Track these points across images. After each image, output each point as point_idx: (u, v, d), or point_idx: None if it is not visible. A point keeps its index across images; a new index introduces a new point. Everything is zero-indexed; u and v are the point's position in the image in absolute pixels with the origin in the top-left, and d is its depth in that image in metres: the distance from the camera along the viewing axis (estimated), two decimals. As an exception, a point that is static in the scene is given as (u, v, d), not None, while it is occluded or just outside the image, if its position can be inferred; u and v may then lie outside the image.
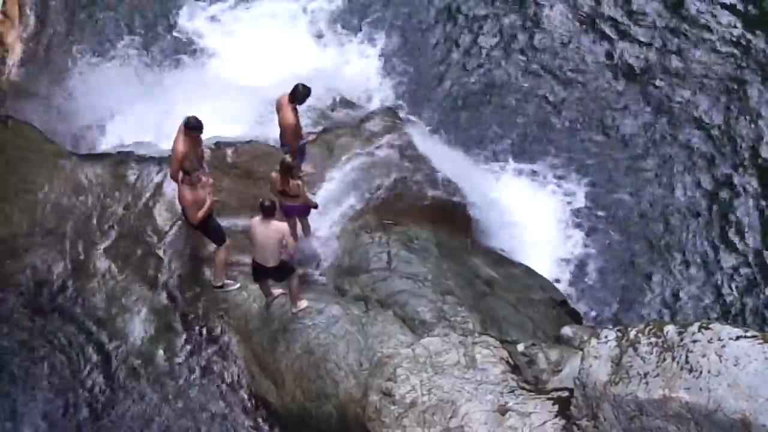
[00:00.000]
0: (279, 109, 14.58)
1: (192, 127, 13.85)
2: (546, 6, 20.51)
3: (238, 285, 14.33)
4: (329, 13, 20.67)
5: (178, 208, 14.58)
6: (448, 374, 12.55)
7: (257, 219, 13.04)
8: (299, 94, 14.32)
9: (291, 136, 14.55)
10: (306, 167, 15.17)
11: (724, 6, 20.20)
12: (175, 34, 19.91)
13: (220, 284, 14.31)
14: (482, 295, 14.89)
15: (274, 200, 13.13)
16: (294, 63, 19.07)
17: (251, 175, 15.77)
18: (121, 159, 16.01)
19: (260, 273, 13.43)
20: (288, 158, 13.74)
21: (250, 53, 19.24)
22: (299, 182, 13.81)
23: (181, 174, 13.54)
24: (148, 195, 15.53)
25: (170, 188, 15.25)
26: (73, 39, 19.34)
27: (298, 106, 14.51)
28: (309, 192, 14.49)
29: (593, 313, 16.86)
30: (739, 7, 20.18)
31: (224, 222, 14.40)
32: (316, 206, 14.44)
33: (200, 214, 13.57)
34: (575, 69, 19.68)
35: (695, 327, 10.74)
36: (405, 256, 14.72)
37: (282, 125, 14.58)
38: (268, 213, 12.87)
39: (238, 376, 13.96)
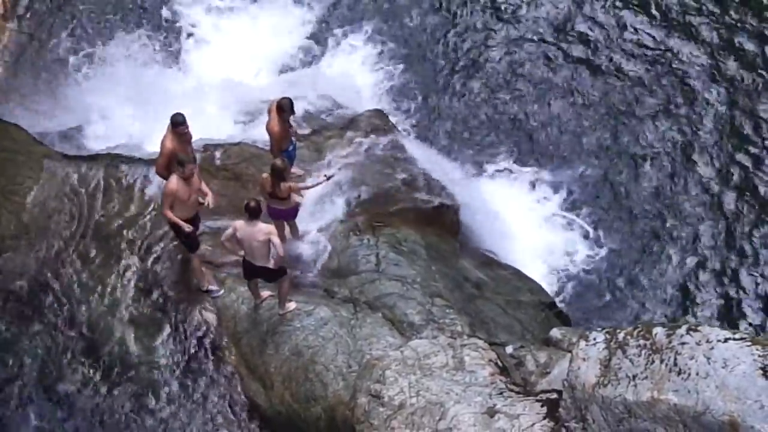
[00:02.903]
0: (269, 113, 14.57)
1: (174, 123, 13.81)
2: (537, 12, 20.54)
3: (221, 291, 14.31)
4: (320, 15, 20.66)
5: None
6: (436, 376, 12.55)
7: (242, 222, 13.02)
8: (285, 107, 14.31)
9: (275, 143, 14.56)
10: (294, 170, 15.16)
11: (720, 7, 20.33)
12: (164, 34, 19.88)
13: (205, 288, 14.30)
14: (471, 297, 14.89)
15: (259, 201, 13.10)
16: (284, 65, 19.08)
17: (240, 177, 15.75)
18: (109, 160, 15.96)
19: (251, 271, 13.41)
20: (279, 161, 13.74)
21: (239, 55, 19.23)
22: (290, 185, 13.80)
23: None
24: (136, 197, 15.48)
25: (156, 190, 15.24)
26: (60, 38, 19.29)
27: (290, 116, 14.48)
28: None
29: (582, 315, 16.87)
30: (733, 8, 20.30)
31: (210, 222, 14.37)
32: (299, 200, 14.41)
33: (169, 213, 13.31)
34: (568, 73, 19.71)
35: (684, 329, 10.75)
36: (394, 258, 14.72)
37: (267, 131, 14.60)
38: (253, 214, 12.85)
39: (227, 379, 13.93)
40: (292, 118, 14.58)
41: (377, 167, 15.80)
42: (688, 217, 17.81)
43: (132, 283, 14.72)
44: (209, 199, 13.56)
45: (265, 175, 13.85)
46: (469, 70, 19.89)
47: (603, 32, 20.14)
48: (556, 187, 18.39)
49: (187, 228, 13.45)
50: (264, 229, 12.92)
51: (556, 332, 14.08)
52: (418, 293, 14.20)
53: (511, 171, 18.53)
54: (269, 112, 14.60)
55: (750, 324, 16.53)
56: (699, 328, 10.71)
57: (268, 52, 19.46)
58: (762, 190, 17.91)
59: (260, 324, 13.88)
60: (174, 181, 13.29)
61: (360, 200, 15.37)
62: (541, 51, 19.99)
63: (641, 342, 10.91)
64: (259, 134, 15.94)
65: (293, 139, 14.68)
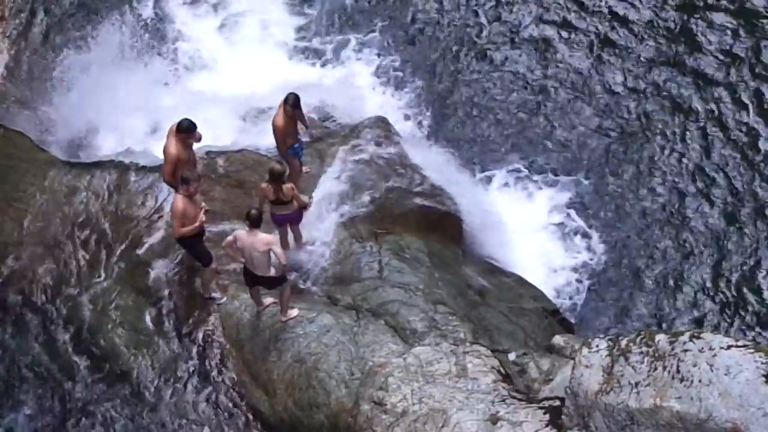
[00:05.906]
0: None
1: (182, 129, 13.80)
2: (543, 18, 20.55)
3: (224, 298, 14.32)
4: (323, 23, 20.69)
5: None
6: (439, 383, 12.56)
7: (243, 232, 13.04)
8: (290, 101, 14.51)
9: (280, 137, 14.67)
10: (305, 168, 15.33)
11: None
12: (166, 44, 19.90)
13: (208, 296, 14.33)
14: (474, 304, 14.88)
15: (260, 210, 13.10)
16: (286, 73, 19.08)
17: (243, 184, 15.77)
18: (112, 167, 15.99)
19: (252, 279, 13.42)
20: (277, 165, 13.80)
21: (242, 63, 19.26)
22: (292, 185, 13.84)
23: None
24: (140, 204, 15.51)
25: (161, 196, 15.25)
26: (63, 46, 19.31)
27: (295, 110, 14.58)
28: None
29: (584, 323, 16.85)
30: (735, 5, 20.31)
31: (214, 227, 14.39)
32: (306, 206, 14.43)
33: (183, 230, 13.40)
34: (573, 80, 19.68)
35: (686, 336, 10.76)
36: (396, 265, 14.71)
37: (272, 127, 14.73)
38: (254, 223, 12.87)
39: (230, 386, 13.93)
40: (307, 116, 14.60)
41: (380, 174, 15.80)
42: (692, 224, 17.78)
43: (135, 290, 14.73)
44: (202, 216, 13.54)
45: (264, 184, 13.85)
46: (473, 78, 19.88)
47: (608, 38, 20.13)
48: (559, 195, 18.38)
49: (197, 224, 13.36)
50: (264, 239, 12.93)
51: (558, 339, 14.09)
52: (421, 300, 14.19)
53: (514, 178, 18.53)
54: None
55: (753, 331, 16.51)
56: (702, 335, 10.72)
57: (270, 59, 19.48)
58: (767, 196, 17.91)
59: (263, 331, 13.88)
60: (180, 201, 13.26)
61: (363, 207, 15.36)
62: (547, 58, 19.98)
63: (644, 349, 10.91)
64: (262, 141, 15.96)
65: (299, 136, 14.77)
